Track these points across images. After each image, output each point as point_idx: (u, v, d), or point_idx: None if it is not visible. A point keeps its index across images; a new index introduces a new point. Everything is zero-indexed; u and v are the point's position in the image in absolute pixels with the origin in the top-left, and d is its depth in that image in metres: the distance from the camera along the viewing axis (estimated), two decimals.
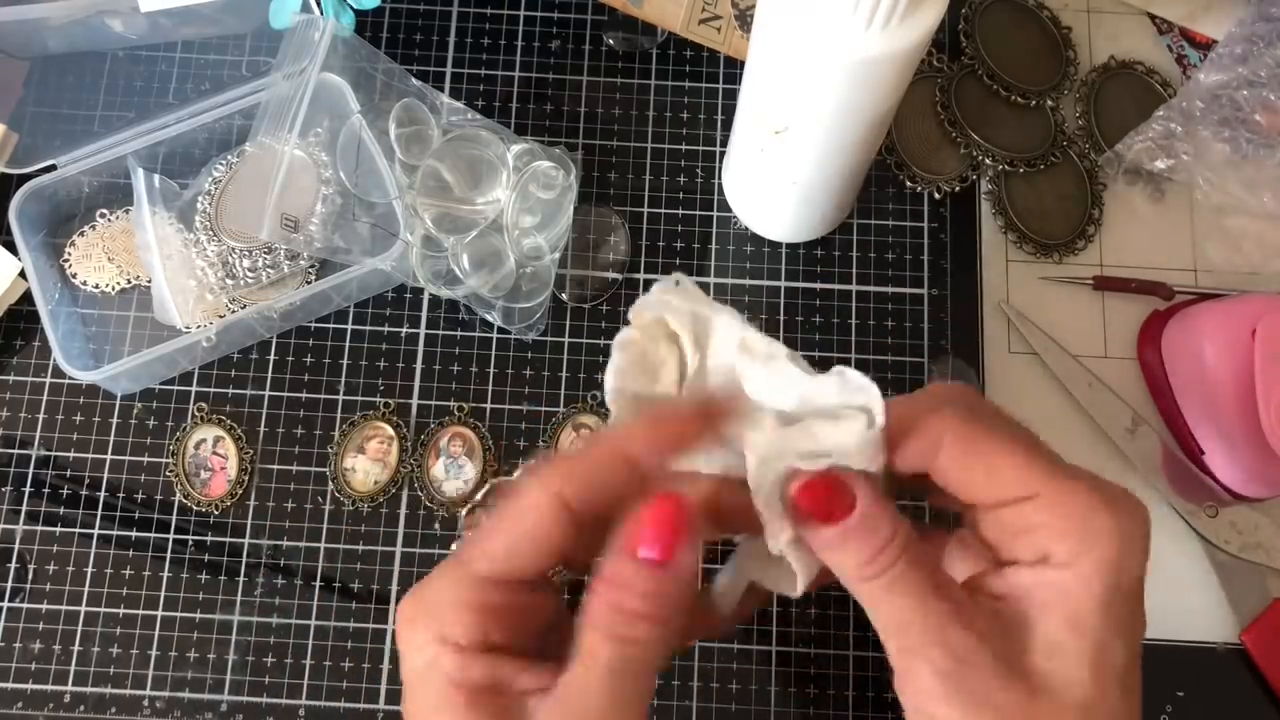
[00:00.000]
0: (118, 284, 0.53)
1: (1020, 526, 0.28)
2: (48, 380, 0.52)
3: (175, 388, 0.52)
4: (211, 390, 0.52)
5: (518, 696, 0.27)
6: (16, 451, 0.51)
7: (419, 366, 0.52)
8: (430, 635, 0.28)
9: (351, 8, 0.52)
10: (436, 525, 0.50)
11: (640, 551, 0.27)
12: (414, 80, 0.53)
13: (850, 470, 0.29)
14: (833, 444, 0.29)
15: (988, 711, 0.27)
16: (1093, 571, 0.27)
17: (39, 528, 0.50)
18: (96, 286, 0.52)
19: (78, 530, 0.50)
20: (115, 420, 0.51)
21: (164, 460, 0.51)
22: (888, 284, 0.54)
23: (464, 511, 0.31)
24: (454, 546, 0.31)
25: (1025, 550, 0.28)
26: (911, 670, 0.27)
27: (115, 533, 0.50)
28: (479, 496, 0.31)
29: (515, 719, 0.27)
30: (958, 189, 0.55)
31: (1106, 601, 0.27)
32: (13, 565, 0.49)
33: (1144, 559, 0.28)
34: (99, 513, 0.50)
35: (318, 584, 0.49)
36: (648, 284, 0.53)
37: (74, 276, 0.52)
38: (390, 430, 0.51)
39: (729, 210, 0.54)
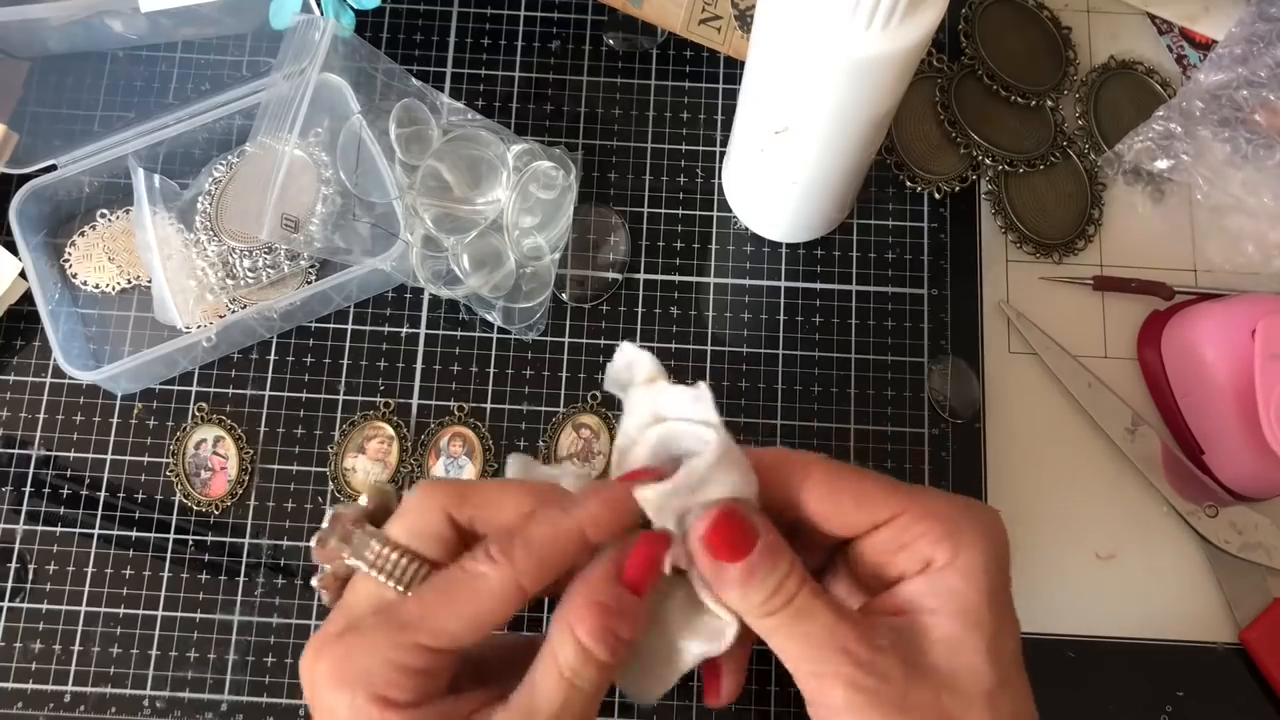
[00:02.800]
0: (118, 284, 0.53)
1: (897, 543, 0.31)
2: (48, 380, 0.52)
3: (175, 388, 0.52)
4: (211, 390, 0.52)
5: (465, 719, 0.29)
6: (16, 451, 0.51)
7: (419, 366, 0.52)
8: (366, 694, 0.28)
9: (351, 8, 0.52)
10: None
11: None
12: (414, 80, 0.53)
13: (741, 505, 0.31)
14: (718, 481, 0.31)
15: (902, 715, 0.28)
16: (972, 566, 0.30)
17: (39, 528, 0.50)
18: (97, 286, 0.52)
19: (78, 530, 0.50)
20: (115, 420, 0.51)
21: (164, 460, 0.51)
22: (888, 284, 0.54)
23: (314, 542, 0.31)
24: (314, 581, 0.32)
25: (907, 562, 0.31)
26: (824, 691, 0.29)
27: (115, 533, 0.50)
28: (325, 526, 0.31)
29: None
30: (958, 189, 0.55)
31: (989, 593, 0.30)
32: (13, 565, 0.49)
33: (1008, 558, 0.31)
34: (99, 513, 0.50)
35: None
36: (648, 284, 0.53)
37: (74, 276, 0.52)
38: (390, 430, 0.51)
39: (729, 210, 0.54)
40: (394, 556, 0.30)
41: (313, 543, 0.31)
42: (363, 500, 0.32)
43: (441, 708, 0.29)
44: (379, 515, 0.31)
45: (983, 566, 0.30)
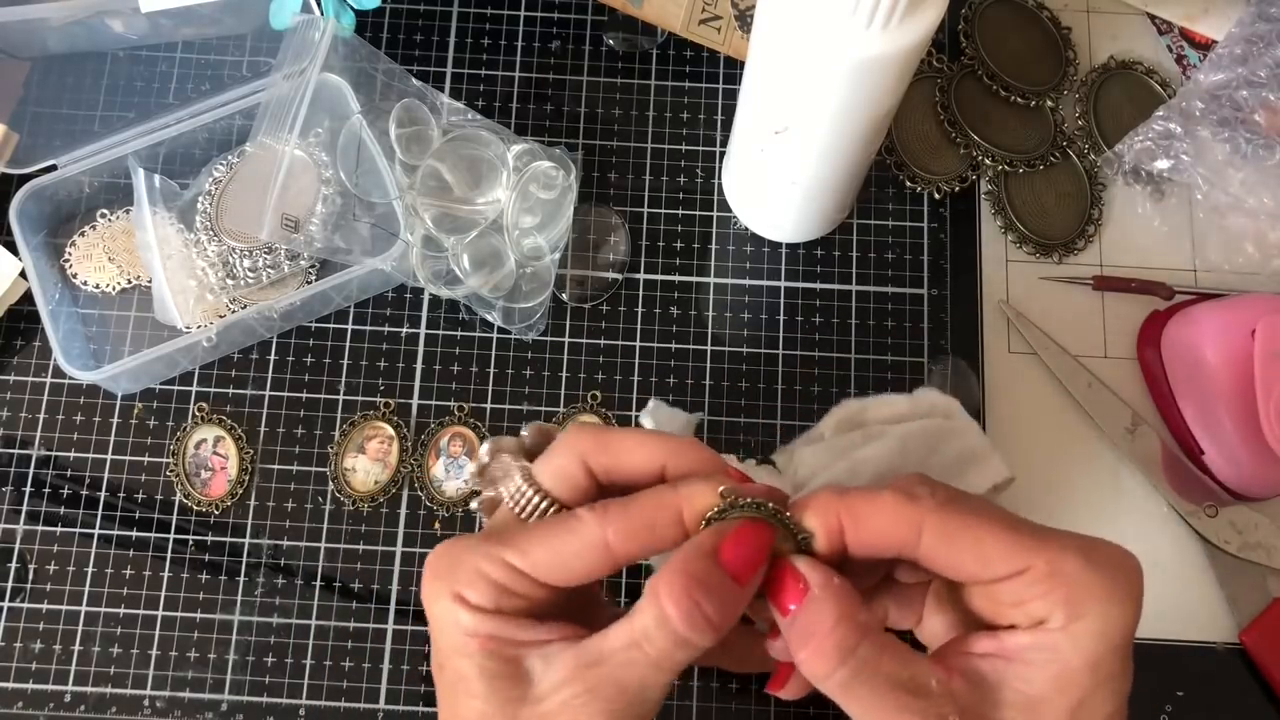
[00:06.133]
0: (118, 284, 0.53)
1: (1014, 599, 0.29)
2: (48, 380, 0.52)
3: (175, 388, 0.52)
4: (212, 390, 0.52)
5: (526, 645, 0.30)
6: (16, 451, 0.51)
7: (419, 366, 0.52)
8: (449, 589, 0.30)
9: (352, 8, 0.52)
10: (436, 525, 0.50)
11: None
12: (414, 80, 0.53)
13: (812, 556, 0.30)
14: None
15: None
16: (1085, 633, 0.28)
17: (39, 528, 0.50)
18: (97, 286, 0.52)
19: (78, 530, 0.50)
20: (115, 420, 0.51)
21: (164, 460, 0.51)
22: (888, 284, 0.54)
23: (474, 468, 0.33)
24: (474, 504, 0.33)
25: (1020, 618, 0.29)
26: None
27: (115, 533, 0.50)
28: (484, 454, 0.34)
29: (523, 665, 0.30)
30: (958, 189, 0.55)
31: (1095, 660, 0.28)
32: (13, 565, 0.49)
33: (1136, 613, 0.29)
34: (99, 513, 0.50)
35: (318, 584, 0.49)
36: (648, 284, 0.53)
37: (74, 276, 0.52)
38: (390, 430, 0.51)
39: (729, 210, 0.54)
40: (529, 493, 0.32)
41: (471, 468, 0.33)
42: (524, 433, 0.34)
43: (513, 622, 0.30)
44: (536, 451, 0.33)
45: (1098, 631, 0.28)
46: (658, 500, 0.30)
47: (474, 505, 0.34)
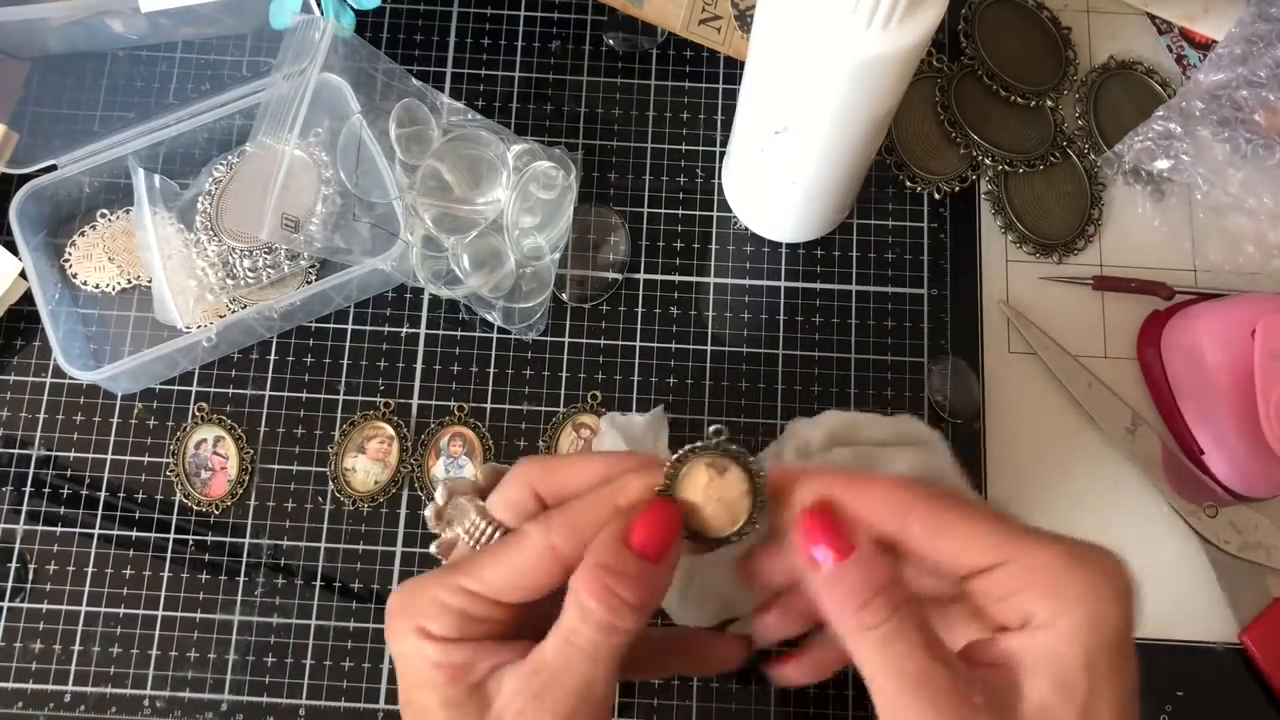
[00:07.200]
0: (118, 284, 0.53)
1: (999, 593, 0.30)
2: (48, 380, 0.52)
3: (175, 388, 0.52)
4: (212, 390, 0.52)
5: (491, 670, 0.30)
6: (16, 451, 0.51)
7: (419, 366, 0.52)
8: (412, 625, 0.31)
9: (352, 8, 0.52)
10: None
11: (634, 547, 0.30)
12: (414, 80, 0.53)
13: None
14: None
15: None
16: (1073, 630, 0.28)
17: (39, 528, 0.50)
18: (97, 286, 0.52)
19: (78, 530, 0.50)
20: (115, 420, 0.51)
21: (164, 460, 0.51)
22: (888, 284, 0.54)
23: (429, 511, 0.33)
24: (433, 548, 0.33)
25: (1008, 615, 0.30)
26: None
27: (115, 533, 0.50)
28: (439, 497, 0.35)
29: (489, 691, 0.30)
30: (958, 189, 0.55)
31: (1090, 659, 0.28)
32: (13, 565, 0.49)
33: (1125, 611, 0.29)
34: (99, 513, 0.50)
35: (318, 584, 0.49)
36: (648, 284, 0.53)
37: (74, 276, 0.52)
38: (390, 430, 0.51)
39: (729, 210, 0.54)
40: (483, 525, 0.32)
41: (428, 512, 0.34)
42: (477, 476, 0.35)
43: (476, 647, 0.31)
44: (490, 490, 0.34)
45: (1083, 628, 0.28)
46: (593, 498, 0.31)
47: (433, 548, 0.35)
